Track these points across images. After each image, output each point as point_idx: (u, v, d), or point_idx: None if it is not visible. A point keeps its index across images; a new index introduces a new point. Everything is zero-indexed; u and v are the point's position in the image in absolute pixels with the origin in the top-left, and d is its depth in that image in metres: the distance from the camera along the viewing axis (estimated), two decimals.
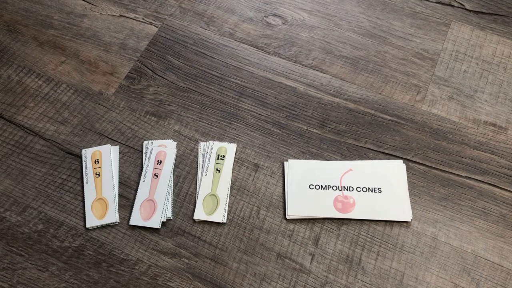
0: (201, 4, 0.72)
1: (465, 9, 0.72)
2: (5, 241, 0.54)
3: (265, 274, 0.52)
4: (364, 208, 0.55)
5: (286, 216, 0.55)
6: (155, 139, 0.60)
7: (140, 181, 0.57)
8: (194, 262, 0.53)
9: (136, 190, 0.57)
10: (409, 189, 0.57)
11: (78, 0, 0.72)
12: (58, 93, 0.64)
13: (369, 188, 0.56)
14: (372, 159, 0.59)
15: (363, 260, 0.53)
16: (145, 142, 0.60)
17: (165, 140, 0.60)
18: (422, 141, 0.61)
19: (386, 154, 0.60)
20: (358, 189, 0.56)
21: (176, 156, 0.59)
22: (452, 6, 0.72)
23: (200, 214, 0.55)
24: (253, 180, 0.58)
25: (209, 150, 0.59)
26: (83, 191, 0.56)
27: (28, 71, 0.65)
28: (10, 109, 0.62)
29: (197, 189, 0.57)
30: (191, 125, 0.62)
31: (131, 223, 0.54)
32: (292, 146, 0.60)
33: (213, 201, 0.56)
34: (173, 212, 0.56)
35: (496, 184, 0.58)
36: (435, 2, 0.73)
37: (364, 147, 0.60)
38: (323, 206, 0.55)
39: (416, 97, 0.64)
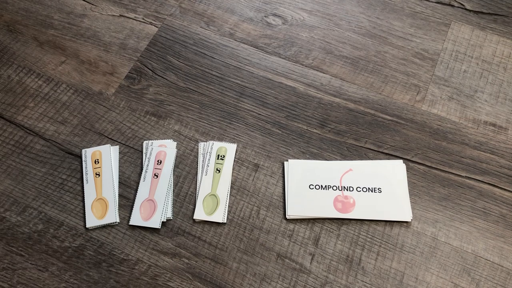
0: (201, 4, 0.72)
1: (465, 9, 0.72)
2: (5, 241, 0.54)
3: (265, 274, 0.52)
4: (364, 208, 0.55)
5: (286, 216, 0.55)
6: (155, 139, 0.60)
7: (140, 181, 0.57)
8: (194, 262, 0.53)
9: (136, 190, 0.57)
10: (409, 189, 0.57)
11: (78, 0, 0.72)
12: (58, 93, 0.64)
13: (369, 188, 0.56)
14: (372, 159, 0.59)
15: (363, 260, 0.53)
16: (145, 142, 0.60)
17: (165, 140, 0.60)
18: (422, 141, 0.61)
19: (386, 154, 0.60)
20: (358, 189, 0.56)
21: (176, 156, 0.59)
22: (452, 6, 0.72)
23: (200, 214, 0.55)
24: (253, 180, 0.58)
25: (209, 150, 0.59)
26: (83, 191, 0.56)
27: (28, 71, 0.65)
28: (10, 109, 0.62)
29: (197, 189, 0.57)
30: (191, 125, 0.62)
31: (131, 223, 0.54)
32: (292, 146, 0.60)
33: (213, 201, 0.56)
34: (173, 212, 0.56)
35: (496, 184, 0.58)
36: (435, 2, 0.73)
37: (364, 147, 0.60)
38: (323, 206, 0.55)
39: (416, 97, 0.64)
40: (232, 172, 0.58)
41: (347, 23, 0.71)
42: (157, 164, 0.58)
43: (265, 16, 0.71)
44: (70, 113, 0.62)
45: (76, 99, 0.63)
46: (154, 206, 0.55)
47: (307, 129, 0.62)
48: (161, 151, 0.59)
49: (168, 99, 0.63)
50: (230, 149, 0.59)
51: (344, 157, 0.59)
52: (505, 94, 0.64)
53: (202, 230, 0.55)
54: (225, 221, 0.55)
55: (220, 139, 0.61)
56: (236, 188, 0.57)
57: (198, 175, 0.58)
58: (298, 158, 0.59)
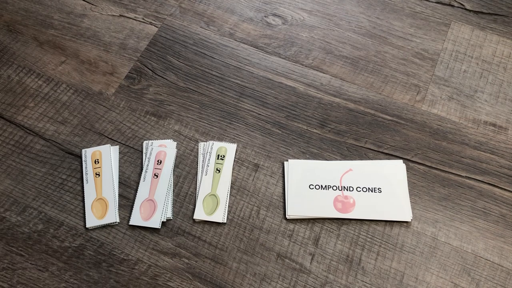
0: (201, 4, 0.72)
1: (465, 9, 0.72)
2: (5, 241, 0.54)
3: (265, 274, 0.52)
4: (364, 208, 0.55)
5: (286, 216, 0.55)
6: (155, 139, 0.60)
7: (140, 181, 0.57)
8: (194, 262, 0.53)
9: (136, 190, 0.57)
10: (409, 189, 0.57)
11: (78, 0, 0.72)
12: (58, 93, 0.64)
13: (369, 188, 0.56)
14: (372, 159, 0.59)
15: (363, 260, 0.53)
16: (145, 142, 0.60)
17: (165, 140, 0.60)
18: (422, 141, 0.61)
19: (386, 154, 0.60)
20: (358, 189, 0.56)
21: (176, 156, 0.59)
22: (452, 6, 0.72)
23: (200, 214, 0.55)
24: (253, 180, 0.58)
25: (209, 150, 0.59)
26: (83, 191, 0.56)
27: (28, 71, 0.65)
28: (10, 109, 0.62)
29: (197, 189, 0.57)
30: (191, 125, 0.62)
31: (131, 223, 0.54)
32: (292, 146, 0.60)
33: (213, 201, 0.56)
34: (173, 212, 0.56)
35: (496, 184, 0.58)
36: (435, 2, 0.73)
37: (364, 147, 0.60)
38: (323, 206, 0.55)
39: (416, 97, 0.64)
40: (232, 172, 0.58)
41: (347, 23, 0.71)
42: (157, 164, 0.58)
43: (265, 16, 0.71)
44: (70, 113, 0.62)
45: (76, 99, 0.63)
46: (154, 206, 0.55)
47: (307, 129, 0.62)
48: (161, 151, 0.59)
49: (168, 99, 0.63)
50: (230, 149, 0.59)
51: (344, 157, 0.59)
52: (505, 94, 0.64)
53: (202, 230, 0.55)
54: (225, 221, 0.55)
55: (220, 139, 0.61)
56: (236, 188, 0.57)
57: (198, 175, 0.58)
58: (298, 158, 0.59)
